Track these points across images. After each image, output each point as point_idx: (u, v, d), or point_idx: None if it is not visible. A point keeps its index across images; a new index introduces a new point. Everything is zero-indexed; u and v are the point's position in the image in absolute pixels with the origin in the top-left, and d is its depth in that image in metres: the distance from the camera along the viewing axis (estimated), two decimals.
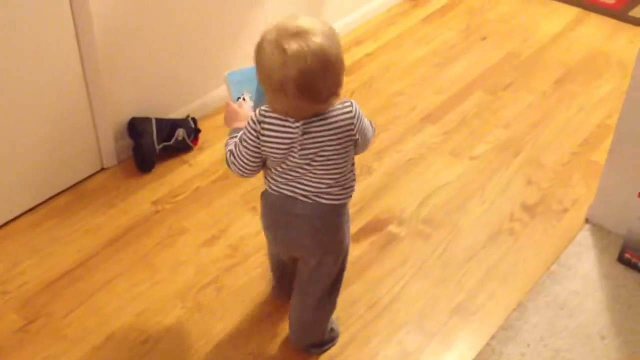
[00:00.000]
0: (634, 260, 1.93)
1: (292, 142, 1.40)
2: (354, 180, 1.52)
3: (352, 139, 1.44)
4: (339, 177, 1.47)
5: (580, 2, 3.28)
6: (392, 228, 2.08)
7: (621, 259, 1.96)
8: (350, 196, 1.52)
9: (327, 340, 1.73)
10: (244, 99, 1.56)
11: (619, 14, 3.18)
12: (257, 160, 1.45)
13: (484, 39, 3.00)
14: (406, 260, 1.98)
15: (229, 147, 1.48)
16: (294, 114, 1.38)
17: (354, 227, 2.06)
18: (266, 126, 1.40)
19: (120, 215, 2.09)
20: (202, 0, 2.33)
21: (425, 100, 2.63)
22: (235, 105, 1.55)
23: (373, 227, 2.08)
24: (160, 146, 2.23)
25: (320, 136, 1.40)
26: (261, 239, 2.02)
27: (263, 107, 1.41)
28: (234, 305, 1.83)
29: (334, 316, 1.71)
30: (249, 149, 1.43)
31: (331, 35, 1.35)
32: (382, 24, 3.07)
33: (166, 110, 2.35)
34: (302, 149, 1.40)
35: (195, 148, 2.34)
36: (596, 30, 3.08)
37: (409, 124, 2.52)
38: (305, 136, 1.39)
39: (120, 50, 2.15)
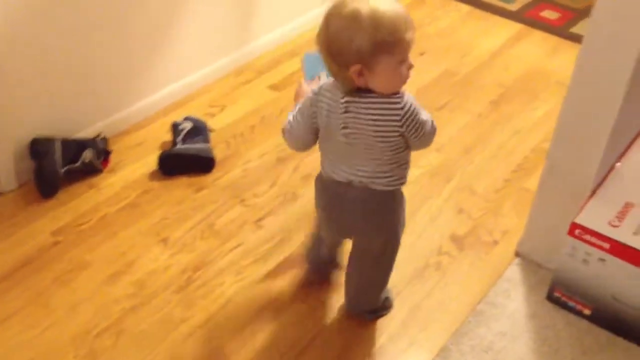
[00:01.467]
0: (563, 299, 1.84)
1: (336, 118, 1.43)
2: (406, 169, 1.54)
3: (399, 131, 1.43)
4: (385, 165, 1.48)
5: (522, 17, 3.21)
6: None
7: (550, 298, 1.87)
8: (402, 184, 1.54)
9: (381, 307, 1.78)
10: (319, 78, 1.57)
11: (561, 31, 3.12)
12: (309, 131, 1.50)
13: (422, 54, 2.90)
14: None
15: (288, 118, 1.52)
16: (336, 78, 1.42)
17: (273, 261, 1.94)
18: (321, 97, 1.45)
19: (16, 247, 1.91)
20: (114, 7, 2.16)
21: None
22: (305, 84, 1.59)
23: (294, 259, 1.95)
24: (65, 169, 2.06)
25: (361, 118, 1.42)
26: (171, 275, 1.88)
27: (319, 87, 1.47)
28: (134, 353, 1.68)
29: (389, 287, 1.77)
30: (303, 118, 1.49)
31: (384, 16, 1.33)
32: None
33: (73, 129, 2.17)
34: (344, 127, 1.43)
35: (105, 171, 2.17)
36: (536, 47, 3.01)
37: None
38: (348, 114, 1.42)
39: (19, 59, 1.97)
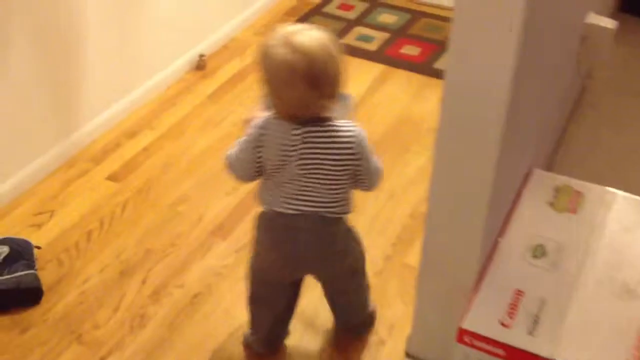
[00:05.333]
0: None
1: (291, 150, 1.43)
2: (351, 198, 1.54)
3: (352, 161, 1.47)
4: (336, 194, 1.49)
5: (383, 57, 3.01)
6: None
7: None
8: (349, 211, 1.54)
9: (370, 317, 1.79)
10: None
11: (424, 68, 2.94)
12: (254, 166, 1.48)
13: None
14: None
15: (229, 151, 1.52)
16: (299, 111, 1.42)
17: None
18: (267, 132, 1.44)
19: None
20: None
21: (214, 207, 2.20)
22: (259, 112, 1.53)
23: None
24: None
25: (319, 147, 1.44)
26: None
27: (262, 119, 1.46)
28: None
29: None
30: (247, 155, 1.47)
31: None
32: (161, 106, 2.61)
33: None
34: (300, 159, 1.44)
35: None
36: (401, 90, 2.81)
37: (194, 242, 2.07)
38: (305, 145, 1.43)
39: None
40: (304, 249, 1.53)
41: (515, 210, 1.81)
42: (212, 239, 2.07)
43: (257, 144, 1.46)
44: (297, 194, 1.48)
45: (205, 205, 2.19)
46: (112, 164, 2.34)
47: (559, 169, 2.34)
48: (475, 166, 1.51)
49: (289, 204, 1.49)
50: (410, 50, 3.05)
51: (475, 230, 1.57)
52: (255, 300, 1.66)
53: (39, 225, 2.08)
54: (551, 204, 1.83)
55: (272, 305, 1.65)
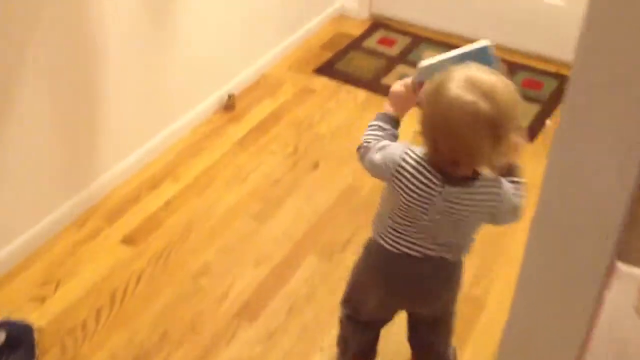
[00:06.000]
0: None
1: (428, 203, 1.32)
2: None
3: (494, 211, 1.36)
4: (465, 238, 1.41)
5: None
6: None
7: None
8: (470, 249, 1.45)
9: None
10: (420, 84, 1.36)
11: None
12: (384, 178, 1.38)
13: (316, 166, 2.37)
14: None
15: (367, 140, 1.41)
16: (462, 160, 1.27)
17: None
18: (404, 173, 1.32)
19: None
20: None
21: (241, 279, 1.94)
22: (403, 88, 1.40)
23: None
24: None
25: (461, 208, 1.32)
26: None
27: (412, 151, 1.33)
28: None
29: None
30: (380, 174, 1.37)
31: None
32: (186, 151, 2.37)
33: None
34: (437, 213, 1.33)
35: None
36: None
37: (217, 324, 1.81)
38: (445, 203, 1.32)
39: None
40: (419, 290, 1.45)
41: (598, 316, 1.54)
42: (237, 322, 1.82)
43: (392, 173, 1.33)
44: (424, 238, 1.37)
45: (231, 278, 1.94)
46: (129, 222, 2.09)
47: (629, 254, 2.06)
48: (579, 269, 1.22)
49: (412, 243, 1.38)
50: None
51: (569, 347, 1.30)
52: (345, 327, 1.62)
53: (42, 299, 1.84)
54: (637, 309, 1.56)
55: (360, 335, 1.61)
